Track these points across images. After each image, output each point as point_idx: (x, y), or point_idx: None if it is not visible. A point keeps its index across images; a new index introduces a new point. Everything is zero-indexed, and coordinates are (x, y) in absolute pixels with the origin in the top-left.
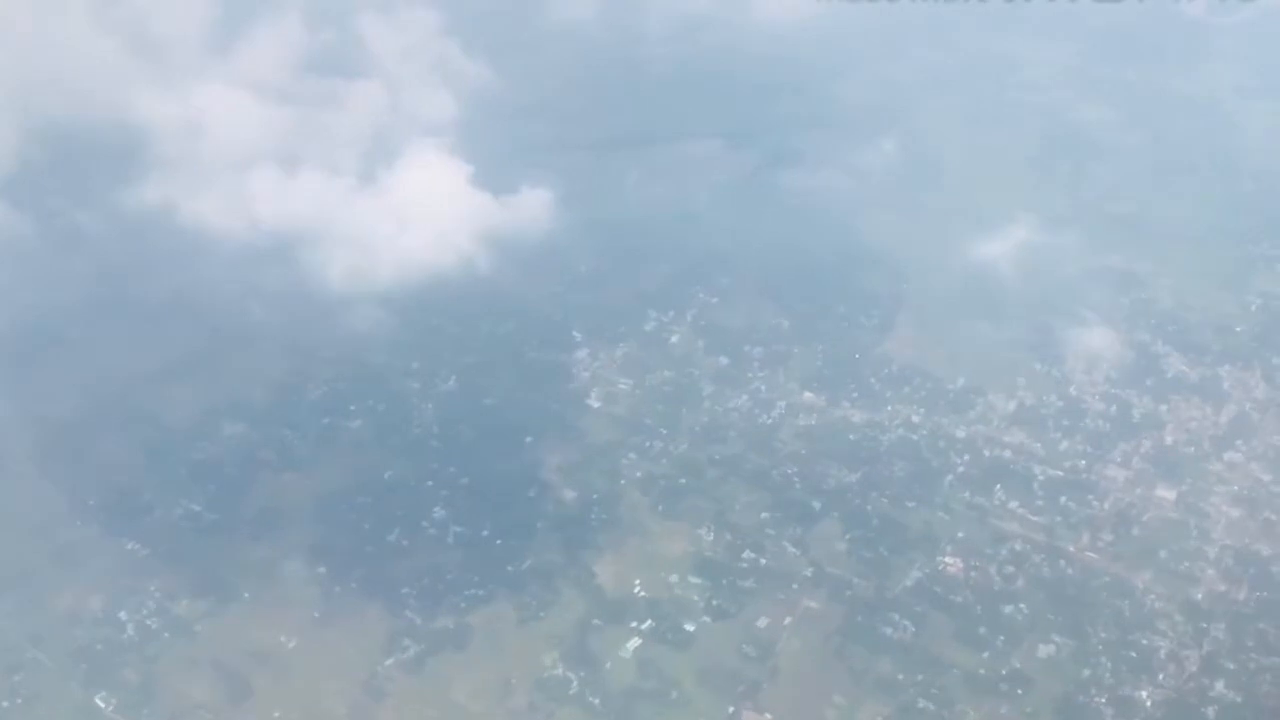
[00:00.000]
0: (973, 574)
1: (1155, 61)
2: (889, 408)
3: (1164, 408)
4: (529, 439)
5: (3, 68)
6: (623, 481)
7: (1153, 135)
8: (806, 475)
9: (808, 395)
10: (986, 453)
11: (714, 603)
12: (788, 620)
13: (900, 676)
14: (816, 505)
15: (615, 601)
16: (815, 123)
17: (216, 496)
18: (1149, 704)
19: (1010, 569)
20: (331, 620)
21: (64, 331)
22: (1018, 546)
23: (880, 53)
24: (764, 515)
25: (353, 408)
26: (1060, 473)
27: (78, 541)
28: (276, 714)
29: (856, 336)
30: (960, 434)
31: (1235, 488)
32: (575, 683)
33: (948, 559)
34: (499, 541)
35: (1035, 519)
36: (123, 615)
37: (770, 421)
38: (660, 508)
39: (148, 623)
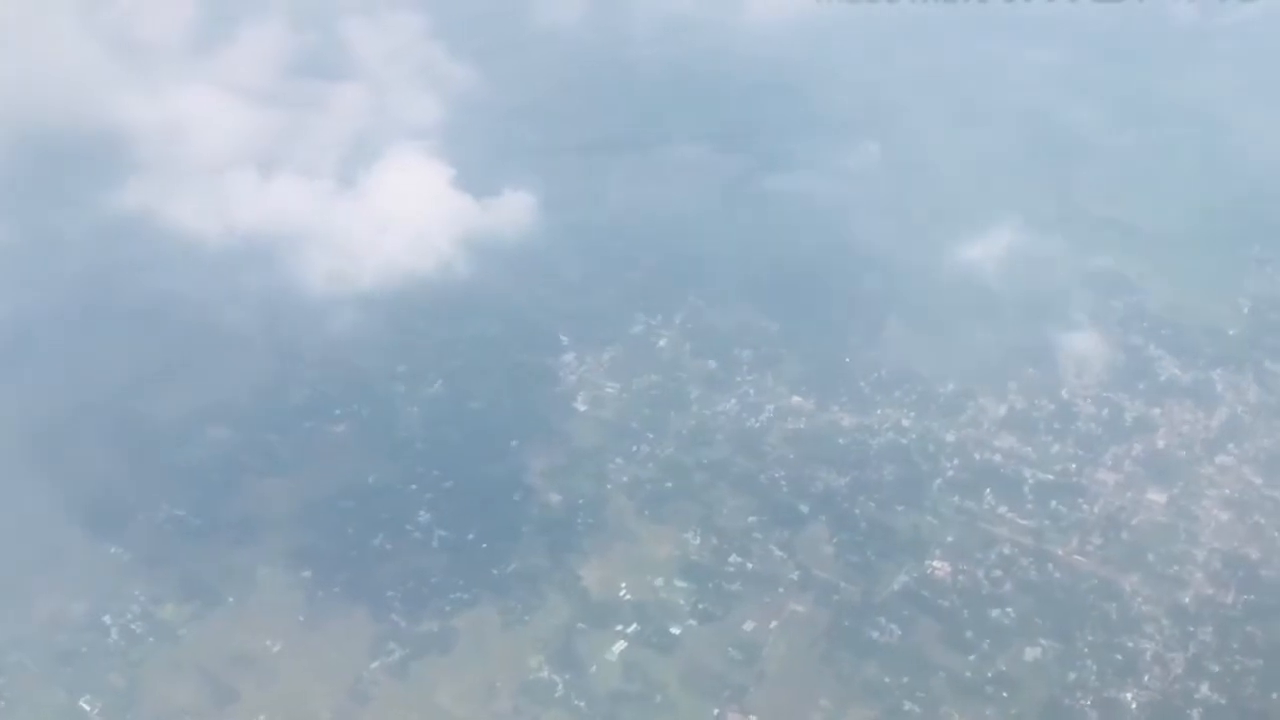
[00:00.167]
0: (960, 578)
1: (1146, 64)
2: (878, 411)
3: (1156, 411)
4: (515, 442)
5: None
6: (609, 485)
7: (1143, 137)
8: (794, 479)
9: (796, 399)
10: (976, 456)
11: (700, 606)
12: (774, 624)
13: (887, 680)
14: (804, 509)
15: (601, 605)
16: (804, 125)
17: (200, 501)
18: (1134, 706)
19: (998, 573)
20: (316, 624)
21: (45, 336)
22: (1006, 550)
23: (870, 54)
24: (751, 519)
25: (337, 411)
26: (1051, 476)
27: (61, 546)
28: (261, 718)
29: (846, 340)
30: (950, 438)
31: (1226, 491)
32: (560, 686)
33: (936, 563)
34: (484, 545)
35: (1024, 523)
36: (107, 619)
37: (758, 425)
38: (646, 511)
39: (132, 627)
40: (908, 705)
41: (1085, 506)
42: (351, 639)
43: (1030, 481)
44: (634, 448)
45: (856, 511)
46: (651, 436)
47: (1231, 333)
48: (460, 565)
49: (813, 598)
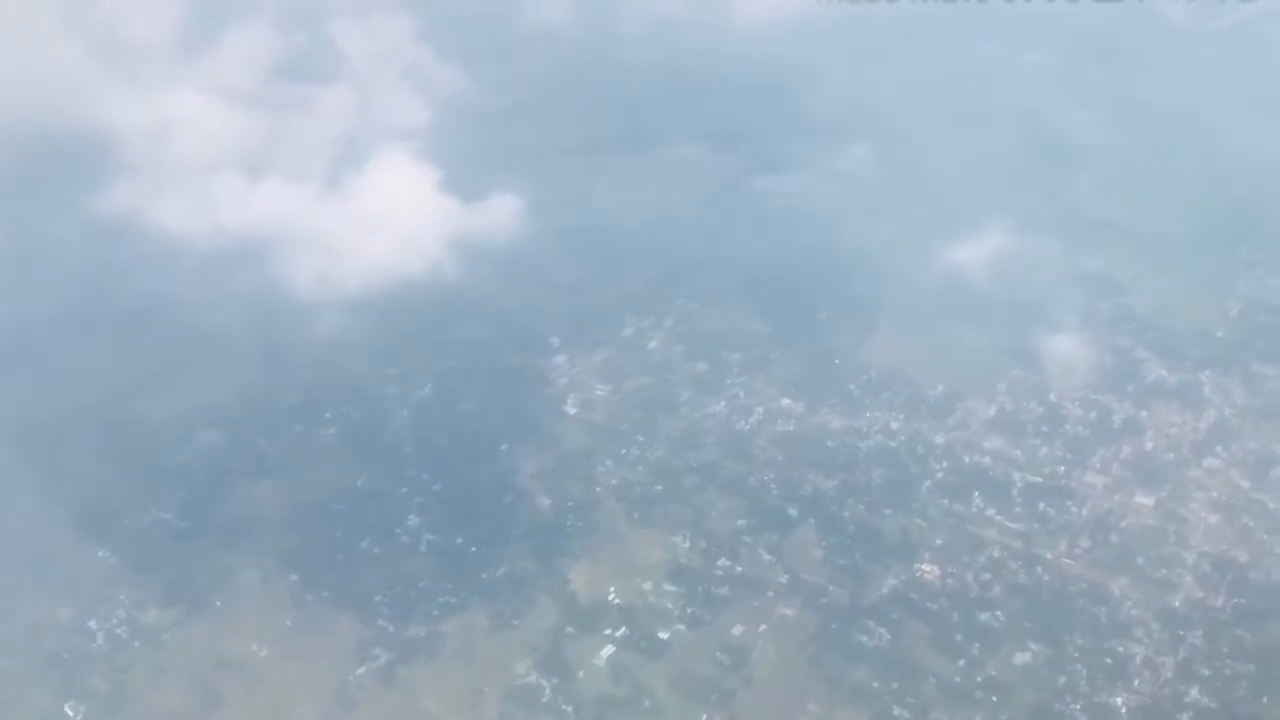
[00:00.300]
0: (949, 581)
1: (1139, 66)
2: (868, 414)
3: (1144, 414)
4: (505, 446)
5: None
6: (598, 488)
7: (1134, 140)
8: (784, 482)
9: (786, 401)
10: (965, 459)
11: (688, 610)
12: (763, 628)
13: (875, 684)
14: (793, 512)
15: (589, 609)
16: (795, 126)
17: (188, 504)
18: (1124, 710)
19: (987, 576)
20: (303, 629)
21: (32, 338)
22: (995, 553)
23: (863, 55)
24: (740, 522)
25: (327, 415)
26: (1039, 479)
27: (47, 550)
28: None
29: (836, 342)
30: (939, 440)
31: (1214, 494)
32: (548, 691)
33: (924, 566)
34: (473, 549)
35: (1013, 526)
36: (92, 624)
37: (748, 428)
38: (636, 515)
39: (118, 631)
40: (897, 710)
41: (1074, 509)
42: (338, 644)
43: (1019, 484)
44: (624, 450)
45: (845, 514)
46: (642, 439)
47: (1219, 335)
48: (449, 569)
49: (801, 601)
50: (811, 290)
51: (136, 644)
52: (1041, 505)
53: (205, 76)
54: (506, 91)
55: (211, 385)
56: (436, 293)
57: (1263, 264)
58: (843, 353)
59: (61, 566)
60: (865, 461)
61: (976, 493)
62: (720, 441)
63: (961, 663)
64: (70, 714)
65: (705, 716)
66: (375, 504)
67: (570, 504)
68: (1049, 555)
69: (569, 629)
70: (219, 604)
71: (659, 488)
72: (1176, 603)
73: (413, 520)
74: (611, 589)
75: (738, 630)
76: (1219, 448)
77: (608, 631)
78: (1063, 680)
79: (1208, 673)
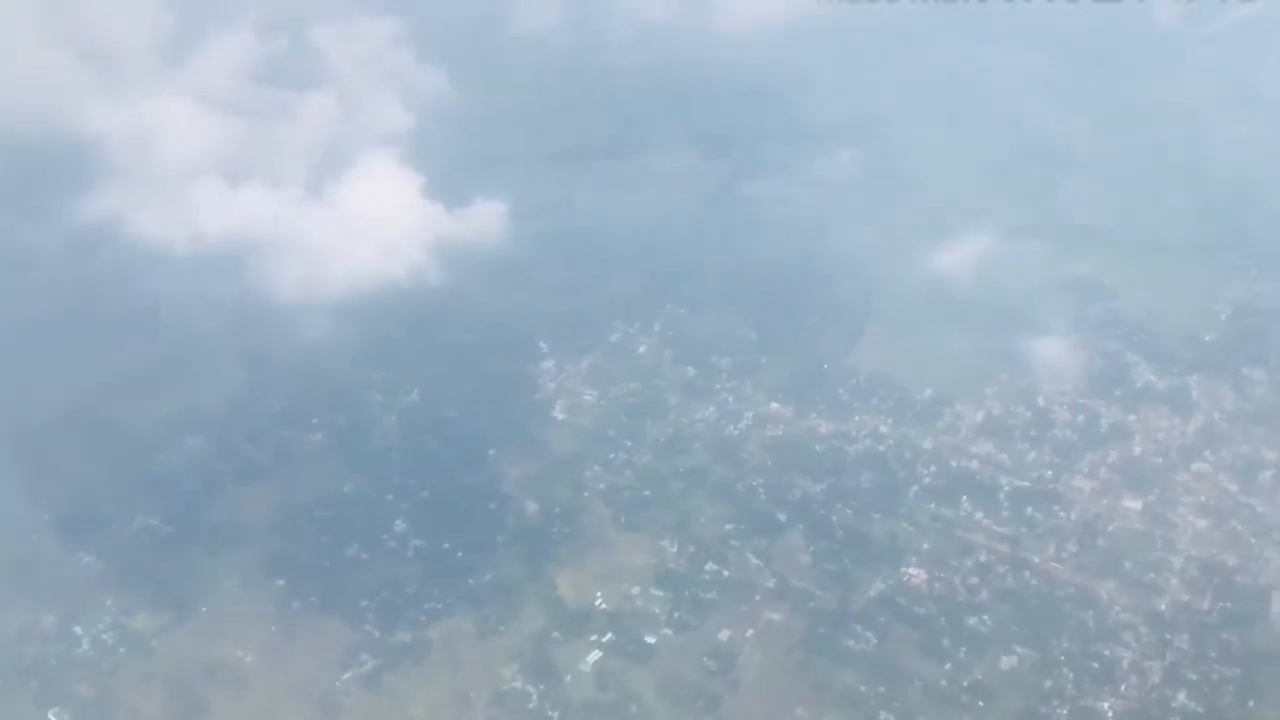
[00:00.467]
0: (937, 585)
1: (1127, 71)
2: (856, 418)
3: (1132, 418)
4: (492, 451)
5: None
6: (586, 494)
7: (1123, 144)
8: (772, 486)
9: (775, 406)
10: (953, 463)
11: (675, 615)
12: (750, 632)
13: (862, 689)
14: (781, 517)
15: (576, 614)
16: (784, 132)
17: (175, 510)
18: (1110, 715)
19: (974, 580)
20: (289, 635)
21: (17, 344)
22: (982, 558)
23: (851, 59)
24: (728, 527)
25: (314, 420)
26: (1027, 483)
27: (33, 556)
28: None
29: (824, 347)
30: (927, 445)
31: (1202, 498)
32: (534, 696)
33: (912, 570)
34: (460, 554)
35: (1000, 530)
36: (78, 630)
37: (737, 433)
38: (623, 519)
39: (103, 637)
40: (883, 715)
41: (1061, 513)
42: (324, 649)
43: (1006, 488)
44: (612, 455)
45: (833, 519)
46: (629, 444)
47: (1208, 339)
48: (435, 575)
49: (789, 606)
50: (800, 295)
51: (122, 650)
52: (1029, 509)
53: (188, 82)
54: (491, 97)
55: (198, 391)
56: (424, 298)
57: (1252, 268)
58: (831, 358)
59: (47, 572)
60: (853, 466)
61: (964, 497)
62: (709, 446)
63: (948, 667)
64: None
65: None
66: (362, 509)
67: (557, 509)
68: (1036, 559)
69: (555, 634)
70: (205, 610)
71: (647, 492)
72: (1163, 606)
73: (400, 526)
74: (598, 594)
75: (725, 635)
76: (1207, 452)
77: (594, 637)
78: (1049, 685)
79: (1195, 677)
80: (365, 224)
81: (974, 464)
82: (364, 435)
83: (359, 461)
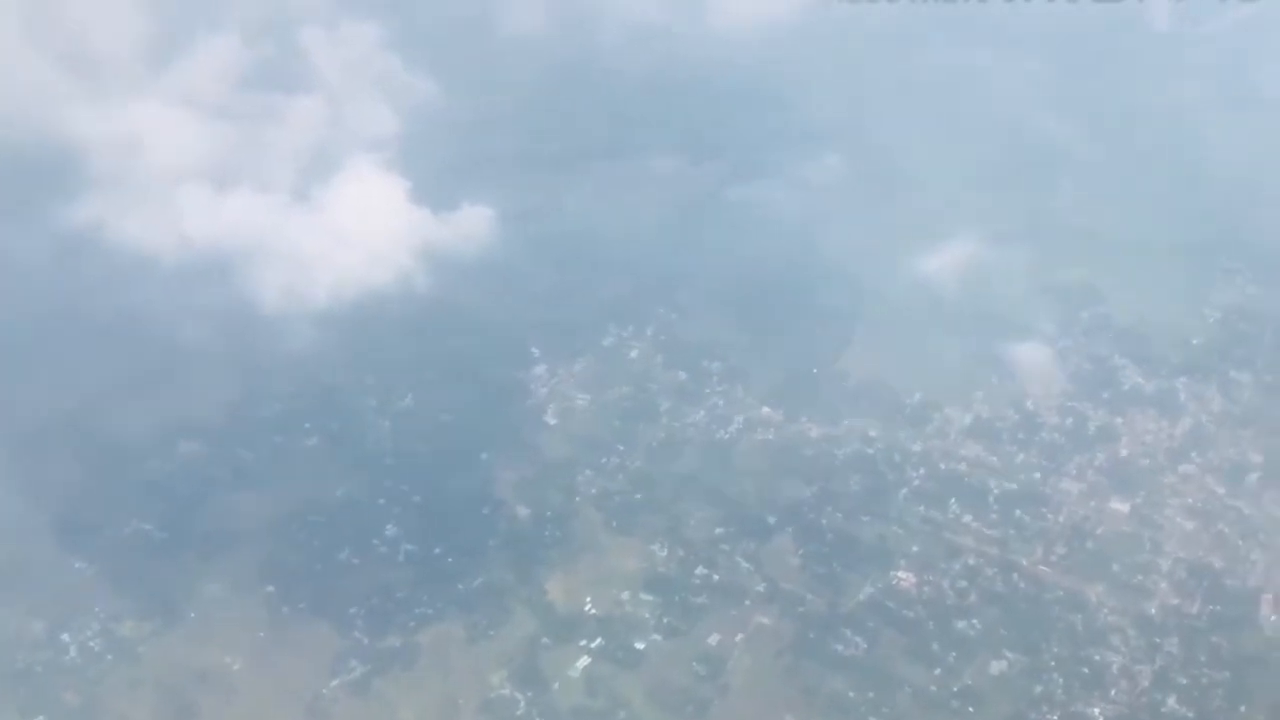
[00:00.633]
0: (926, 589)
1: (1119, 74)
2: (845, 422)
3: (1119, 420)
4: (484, 456)
5: None
6: (578, 498)
7: (1114, 148)
8: (762, 490)
9: (765, 410)
10: (942, 466)
11: (665, 620)
12: (739, 637)
13: (852, 694)
14: (771, 520)
15: (565, 619)
16: (775, 135)
17: (168, 515)
18: None
19: (963, 584)
20: (278, 640)
21: (5, 350)
22: (971, 561)
23: (843, 62)
24: (718, 531)
25: (308, 425)
26: (1015, 486)
27: (23, 562)
28: None
29: (815, 351)
30: (916, 448)
31: (1190, 500)
32: (523, 703)
33: (901, 574)
34: (450, 560)
35: (989, 533)
36: (65, 637)
37: (727, 437)
38: (614, 524)
39: (91, 644)
40: None
41: (1049, 516)
42: (313, 655)
43: (995, 491)
44: (603, 460)
45: (823, 522)
46: (621, 448)
47: (1196, 342)
48: (426, 580)
49: (778, 610)
50: (791, 300)
51: (110, 657)
52: (1018, 512)
53: (174, 87)
54: (480, 101)
55: (191, 396)
56: (416, 303)
57: (1242, 272)
58: (821, 362)
59: (37, 579)
60: (843, 469)
61: (953, 500)
62: (699, 450)
63: (938, 672)
64: None
65: None
66: (354, 514)
67: (549, 514)
68: (1025, 562)
69: (545, 640)
70: (194, 616)
71: (638, 497)
72: (1152, 610)
73: (391, 531)
74: (588, 599)
75: (714, 640)
76: (1195, 454)
77: (583, 642)
78: (1039, 689)
79: (1184, 681)
80: (354, 229)
81: (963, 467)
82: (357, 440)
83: (352, 466)
